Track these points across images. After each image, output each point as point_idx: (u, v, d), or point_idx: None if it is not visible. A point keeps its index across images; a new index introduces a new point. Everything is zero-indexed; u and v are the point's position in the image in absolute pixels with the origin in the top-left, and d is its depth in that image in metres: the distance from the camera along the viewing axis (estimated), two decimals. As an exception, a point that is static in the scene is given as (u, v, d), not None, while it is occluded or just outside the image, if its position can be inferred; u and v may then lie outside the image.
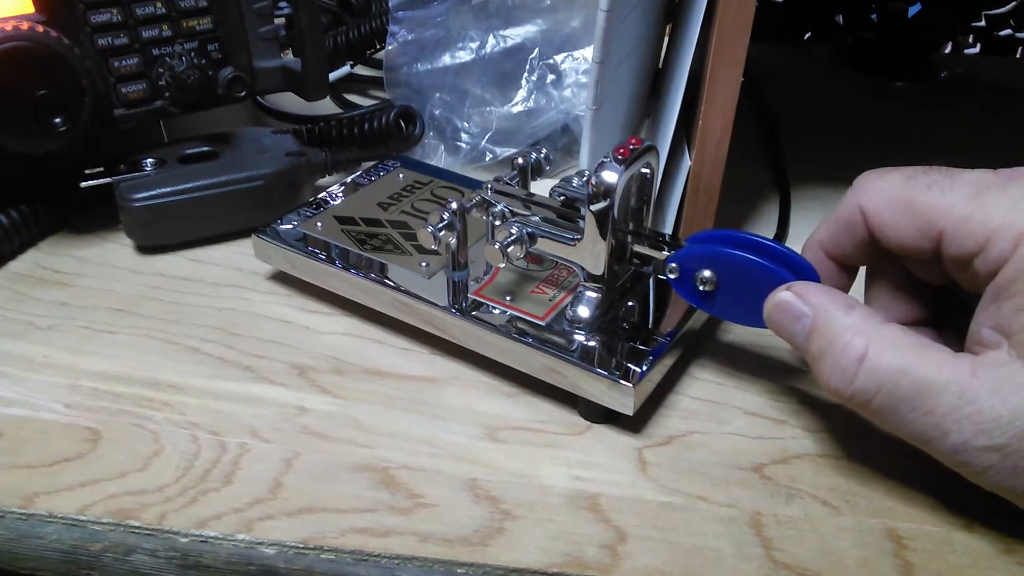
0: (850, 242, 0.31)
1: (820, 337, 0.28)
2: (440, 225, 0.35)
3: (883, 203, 0.29)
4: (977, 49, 0.73)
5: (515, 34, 0.51)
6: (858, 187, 0.30)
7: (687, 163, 0.38)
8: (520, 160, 0.37)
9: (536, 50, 0.51)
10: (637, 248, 0.34)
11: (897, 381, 0.26)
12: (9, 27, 0.37)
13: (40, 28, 0.38)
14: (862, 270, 0.33)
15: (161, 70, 0.42)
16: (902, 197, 0.29)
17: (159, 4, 0.41)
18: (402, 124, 0.50)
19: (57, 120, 0.39)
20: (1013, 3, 0.69)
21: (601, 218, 0.32)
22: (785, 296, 0.30)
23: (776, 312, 0.30)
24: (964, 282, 0.28)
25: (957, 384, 0.25)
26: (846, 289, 0.33)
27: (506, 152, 0.50)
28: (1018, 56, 0.72)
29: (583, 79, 0.51)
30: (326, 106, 0.56)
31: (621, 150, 0.32)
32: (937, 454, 0.26)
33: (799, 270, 0.31)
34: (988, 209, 0.27)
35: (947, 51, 0.73)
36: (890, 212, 0.29)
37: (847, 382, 0.27)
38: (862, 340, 0.27)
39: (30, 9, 0.39)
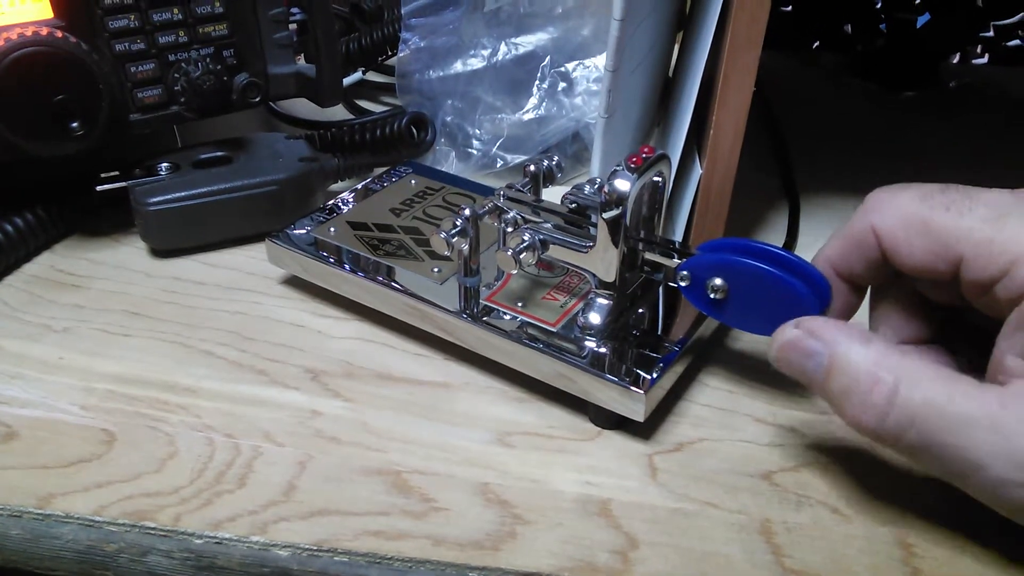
0: (861, 262, 0.30)
1: (842, 374, 0.27)
2: (453, 231, 0.35)
3: (897, 223, 0.28)
4: (985, 59, 0.73)
5: (527, 42, 0.52)
6: (870, 205, 0.29)
7: (698, 171, 0.39)
8: (532, 167, 0.37)
9: (547, 58, 0.51)
10: (648, 256, 0.35)
11: (927, 415, 0.25)
12: (29, 32, 0.37)
13: (59, 33, 0.38)
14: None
15: (177, 75, 0.43)
16: (917, 218, 0.28)
17: (176, 10, 0.42)
18: (414, 130, 0.50)
19: (74, 124, 0.39)
20: (1022, 14, 0.69)
21: (613, 226, 0.32)
22: (794, 334, 0.28)
23: (785, 351, 0.29)
24: (982, 306, 0.28)
25: (988, 417, 0.24)
26: (855, 308, 0.32)
27: (517, 159, 0.50)
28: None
29: (594, 87, 0.51)
30: (338, 112, 0.57)
31: (634, 159, 0.32)
32: (972, 489, 0.26)
33: (810, 279, 0.31)
34: (1010, 233, 0.26)
35: (955, 61, 0.73)
36: (904, 233, 0.28)
37: (879, 419, 0.26)
38: (890, 375, 0.26)
39: (49, 15, 0.39)
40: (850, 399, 0.27)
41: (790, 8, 0.69)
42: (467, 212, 0.35)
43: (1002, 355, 0.26)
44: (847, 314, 0.32)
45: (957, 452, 0.25)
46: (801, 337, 0.28)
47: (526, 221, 0.36)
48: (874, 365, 0.26)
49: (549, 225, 0.35)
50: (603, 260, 0.33)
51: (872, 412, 0.26)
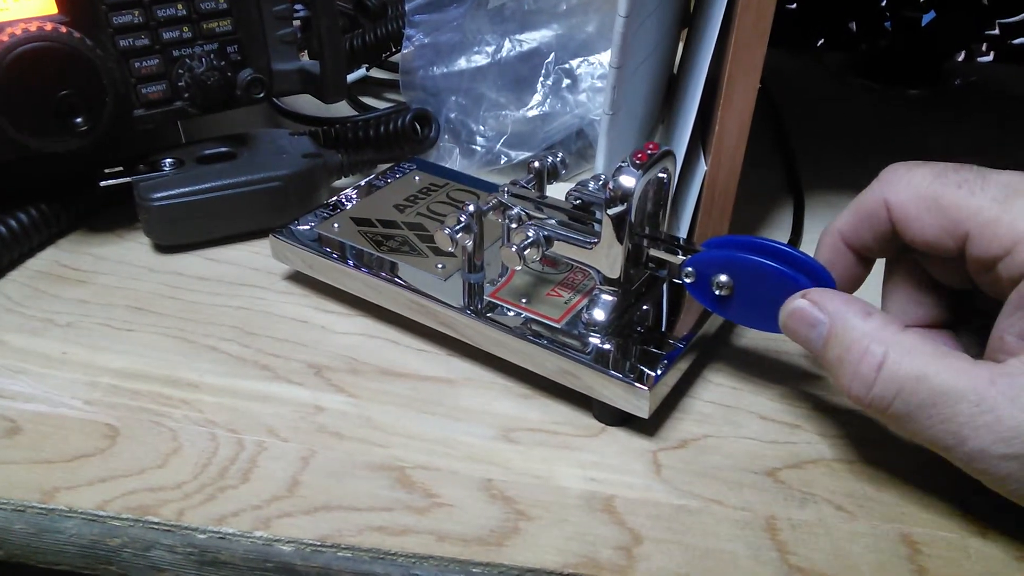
0: (871, 234, 0.31)
1: (838, 344, 0.28)
2: (457, 227, 0.35)
3: (909, 198, 0.29)
4: (991, 57, 0.73)
5: (531, 38, 0.51)
6: (884, 179, 0.30)
7: (703, 168, 0.39)
8: (536, 164, 0.37)
9: (552, 55, 0.51)
10: (653, 252, 0.35)
11: (915, 388, 0.26)
12: (33, 28, 0.37)
13: (63, 29, 0.38)
14: (879, 265, 0.33)
15: (181, 71, 0.43)
16: (929, 193, 0.28)
17: (180, 6, 0.42)
18: (417, 127, 0.50)
19: (78, 120, 0.39)
20: (1027, 12, 0.69)
21: (618, 222, 0.32)
22: (801, 304, 0.30)
23: (792, 319, 0.30)
24: (985, 285, 0.28)
25: (975, 392, 0.25)
26: (861, 279, 0.33)
27: (521, 156, 0.50)
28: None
29: (598, 84, 0.51)
30: (342, 108, 0.57)
31: (639, 155, 0.32)
32: (956, 461, 0.26)
33: (815, 275, 0.31)
34: (1017, 213, 0.26)
35: (960, 59, 0.73)
36: (916, 208, 0.29)
37: (866, 388, 0.27)
38: (880, 347, 0.27)
39: (54, 10, 0.39)
40: (843, 368, 0.28)
41: (795, 6, 0.68)
42: (471, 208, 0.35)
43: (1001, 333, 0.27)
44: (853, 285, 0.33)
45: (941, 424, 0.26)
46: (806, 307, 0.29)
47: (530, 217, 0.35)
48: (866, 337, 0.27)
49: (553, 221, 0.35)
50: (608, 256, 0.33)
51: (860, 381, 0.27)
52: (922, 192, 0.28)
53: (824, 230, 0.33)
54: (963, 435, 0.25)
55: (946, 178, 0.28)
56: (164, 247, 0.44)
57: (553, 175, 0.38)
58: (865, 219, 0.31)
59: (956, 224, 0.28)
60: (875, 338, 0.27)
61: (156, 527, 0.29)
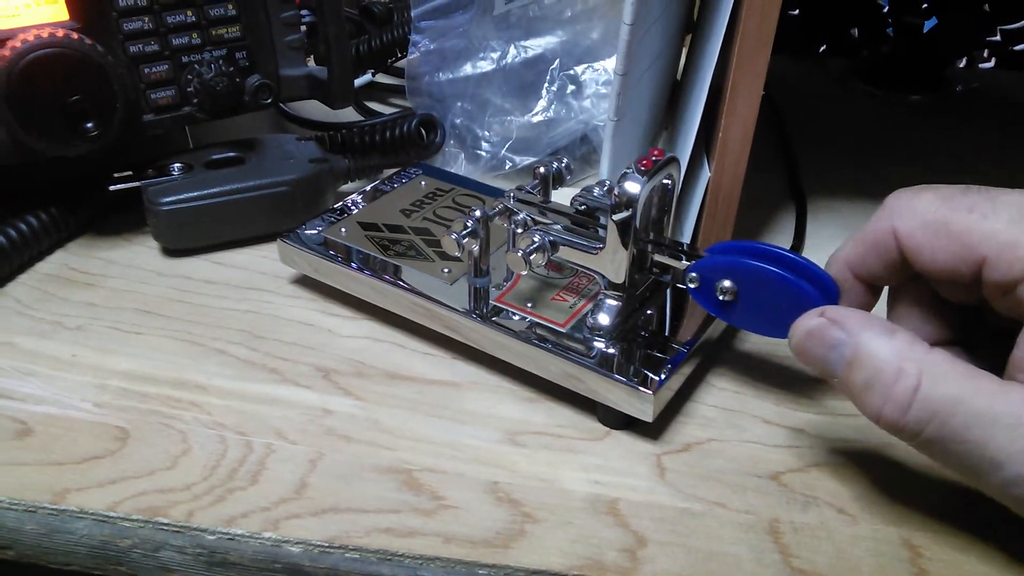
0: (880, 264, 0.30)
1: (865, 366, 0.27)
2: (464, 232, 0.35)
3: (918, 226, 0.28)
4: (992, 63, 0.73)
5: (536, 45, 0.52)
6: (890, 207, 0.29)
7: (706, 174, 0.39)
8: (542, 169, 0.38)
9: (556, 61, 0.52)
10: (657, 257, 0.35)
11: (951, 411, 0.25)
12: (45, 34, 0.38)
13: (75, 35, 0.38)
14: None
15: (190, 77, 0.43)
16: (938, 219, 0.27)
17: (189, 13, 0.42)
18: (423, 132, 0.51)
19: (89, 125, 0.40)
20: (1029, 19, 0.69)
21: (623, 228, 0.33)
22: (819, 323, 0.28)
23: (808, 340, 0.28)
24: (1003, 307, 0.27)
25: (1012, 415, 0.24)
26: (870, 307, 0.32)
27: (525, 161, 0.51)
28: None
29: (602, 90, 0.51)
30: (348, 114, 0.57)
31: (644, 161, 0.32)
32: (987, 487, 0.26)
33: (819, 282, 0.31)
34: None
35: (962, 65, 0.73)
36: (925, 235, 0.28)
37: (900, 412, 0.26)
38: (914, 368, 0.26)
39: (65, 17, 0.40)
40: (872, 391, 0.26)
41: (797, 12, 0.69)
42: (477, 213, 0.35)
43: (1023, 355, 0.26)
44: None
45: (976, 449, 0.25)
46: (825, 326, 0.28)
47: (536, 222, 0.36)
48: (898, 357, 0.26)
49: (558, 227, 0.35)
50: (613, 262, 0.34)
51: (894, 405, 0.26)
52: (930, 219, 0.28)
53: (828, 261, 0.32)
54: (1000, 460, 0.24)
55: (954, 202, 0.27)
56: (172, 251, 0.44)
57: (558, 180, 0.38)
58: (872, 249, 0.30)
59: (969, 250, 0.27)
60: (907, 358, 0.26)
61: (166, 528, 0.30)
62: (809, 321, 0.29)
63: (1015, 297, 0.26)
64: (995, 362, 0.28)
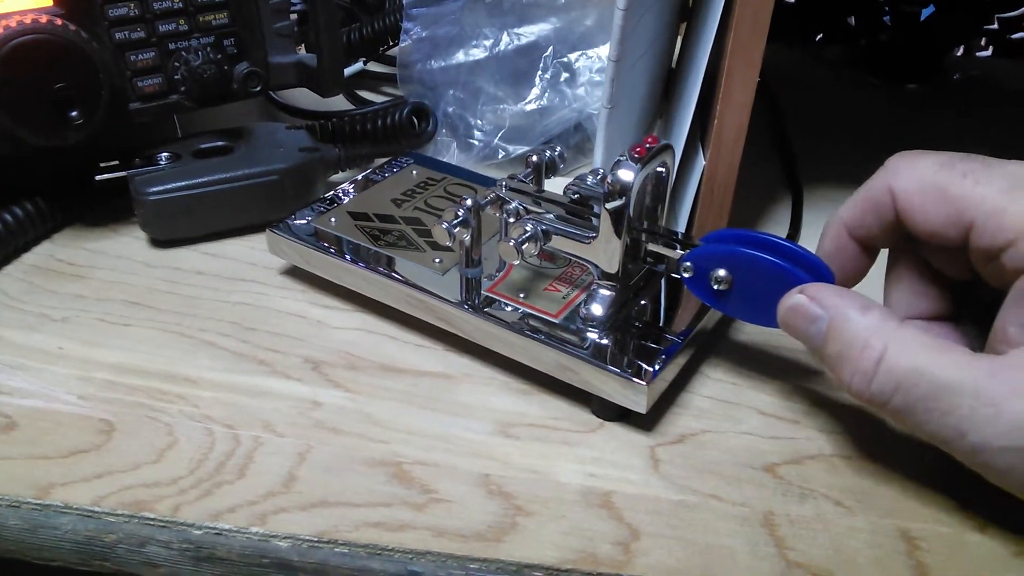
0: (876, 223, 0.30)
1: (837, 339, 0.28)
2: (455, 222, 0.35)
3: (915, 187, 0.29)
4: (989, 52, 0.73)
5: (529, 32, 0.51)
6: (890, 168, 0.30)
7: (701, 163, 0.38)
8: (534, 158, 0.37)
9: (550, 48, 0.51)
10: (651, 247, 0.34)
11: (914, 381, 0.26)
12: (28, 20, 0.37)
13: (59, 21, 0.38)
14: (882, 257, 0.33)
15: (177, 64, 0.42)
16: (935, 183, 0.28)
17: (176, -1, 0.42)
18: (415, 121, 0.50)
19: (74, 113, 0.39)
20: (1026, 6, 0.68)
21: (617, 216, 0.32)
22: (799, 299, 0.30)
23: (790, 315, 0.30)
24: (989, 276, 0.28)
25: (975, 384, 0.25)
26: (865, 271, 0.32)
27: (519, 150, 0.50)
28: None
29: (597, 77, 0.51)
30: (339, 102, 0.57)
31: (638, 149, 0.32)
32: (957, 455, 0.26)
33: (814, 270, 0.31)
34: (1023, 204, 0.26)
35: (959, 54, 0.73)
36: (921, 197, 0.29)
37: (866, 383, 0.27)
38: (880, 341, 0.27)
39: (48, 3, 0.39)
40: (843, 363, 0.28)
41: (794, 0, 0.68)
42: (469, 202, 0.35)
43: (1004, 324, 0.27)
44: (857, 276, 0.32)
45: (941, 418, 0.26)
46: (805, 302, 0.29)
47: (528, 212, 0.35)
48: (866, 331, 0.27)
49: (551, 216, 0.35)
50: (606, 251, 0.33)
51: (860, 376, 0.27)
52: (927, 181, 0.28)
53: (828, 221, 0.33)
54: (963, 428, 0.25)
55: (952, 167, 0.28)
56: (160, 242, 0.44)
57: (551, 169, 0.38)
58: (870, 208, 0.30)
59: (960, 213, 0.27)
60: (874, 332, 0.27)
61: (151, 523, 0.29)
62: (791, 298, 0.30)
63: (999, 264, 0.27)
64: (986, 338, 0.28)
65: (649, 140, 0.32)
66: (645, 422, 0.33)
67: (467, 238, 0.35)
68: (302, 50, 0.47)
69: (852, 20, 0.69)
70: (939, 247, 0.29)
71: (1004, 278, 0.27)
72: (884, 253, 0.33)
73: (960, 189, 0.28)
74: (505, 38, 0.51)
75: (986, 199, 0.27)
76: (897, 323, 0.27)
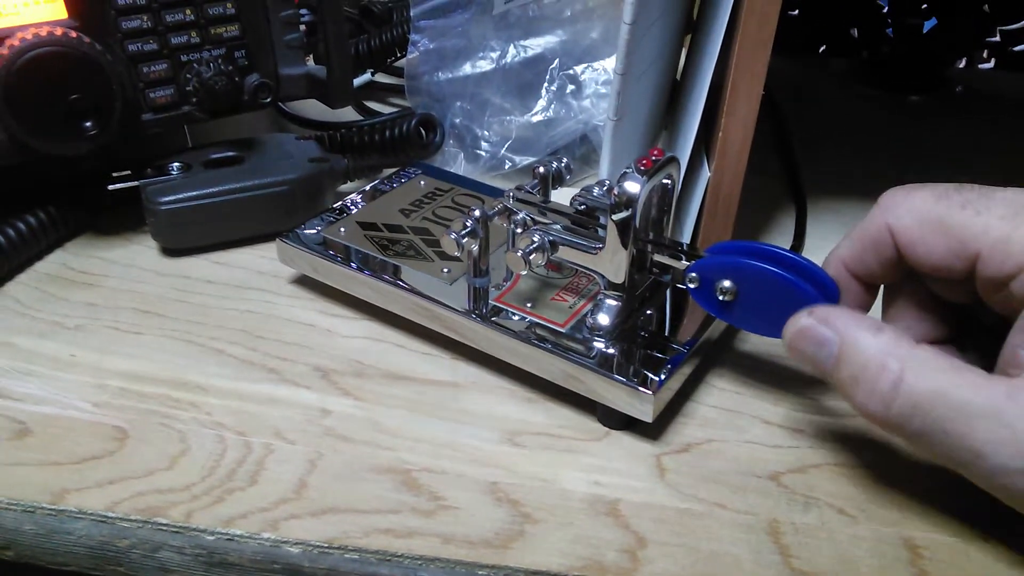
0: (876, 261, 0.30)
1: (851, 362, 0.27)
2: (463, 232, 0.35)
3: (913, 222, 0.28)
4: (992, 64, 0.73)
5: (535, 44, 0.52)
6: (885, 205, 0.30)
7: (706, 174, 0.39)
8: (541, 169, 0.38)
9: (556, 60, 0.52)
10: (657, 257, 0.35)
11: (933, 403, 0.26)
12: (44, 32, 0.37)
13: (73, 34, 0.38)
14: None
15: (189, 76, 0.43)
16: (934, 215, 0.28)
17: (188, 11, 0.42)
18: (423, 132, 0.50)
19: (87, 124, 0.39)
20: (1028, 19, 0.69)
21: (623, 227, 0.32)
22: (807, 322, 0.29)
23: (798, 338, 0.29)
24: (996, 303, 0.28)
25: (993, 407, 0.25)
26: (868, 307, 0.32)
27: (525, 161, 0.50)
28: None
29: (602, 90, 0.51)
30: (348, 113, 0.57)
31: (643, 161, 0.32)
32: (975, 478, 0.26)
33: (819, 282, 0.31)
34: None
35: (962, 66, 0.73)
36: (921, 231, 0.28)
37: (884, 407, 0.26)
38: (897, 363, 0.26)
39: (64, 15, 0.40)
40: (858, 386, 0.27)
41: (797, 12, 0.69)
42: (477, 213, 0.35)
43: (1014, 349, 0.26)
44: (860, 312, 0.32)
45: (959, 440, 0.25)
46: (813, 325, 0.29)
47: (535, 222, 0.36)
48: (882, 353, 0.27)
49: (558, 226, 0.35)
50: (612, 262, 0.34)
51: (878, 399, 0.27)
52: (925, 215, 0.28)
53: (826, 260, 0.32)
54: (982, 451, 0.25)
55: (949, 198, 0.28)
56: (171, 251, 0.44)
57: (558, 180, 0.38)
58: (869, 246, 0.30)
59: (964, 245, 0.27)
60: (891, 354, 0.27)
61: (164, 528, 0.30)
62: (799, 320, 0.29)
63: (1008, 293, 0.27)
64: (989, 360, 0.28)
65: (655, 152, 0.33)
66: (651, 431, 0.33)
67: (475, 248, 0.36)
68: (311, 62, 0.48)
69: (855, 32, 0.70)
70: (943, 278, 0.29)
71: (1012, 305, 0.27)
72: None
73: (960, 219, 0.27)
74: (512, 50, 0.51)
75: (989, 228, 0.27)
76: (911, 344, 0.27)
